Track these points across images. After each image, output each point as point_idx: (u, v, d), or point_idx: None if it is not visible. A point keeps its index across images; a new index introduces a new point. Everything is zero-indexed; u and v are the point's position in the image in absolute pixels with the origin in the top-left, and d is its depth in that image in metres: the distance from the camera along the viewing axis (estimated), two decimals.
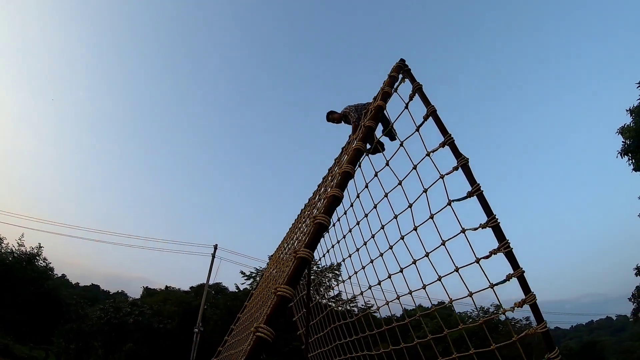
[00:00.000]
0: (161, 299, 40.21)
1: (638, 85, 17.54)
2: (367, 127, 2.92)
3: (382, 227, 4.18)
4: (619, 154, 18.90)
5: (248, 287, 35.42)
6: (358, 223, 4.54)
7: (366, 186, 4.16)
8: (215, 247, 30.26)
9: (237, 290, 36.31)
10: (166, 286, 50.96)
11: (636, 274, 20.02)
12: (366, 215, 4.38)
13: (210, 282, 30.97)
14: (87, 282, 76.40)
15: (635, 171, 18.55)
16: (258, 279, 34.98)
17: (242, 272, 35.65)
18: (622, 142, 18.78)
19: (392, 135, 5.07)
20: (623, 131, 18.49)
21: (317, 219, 2.11)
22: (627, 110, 18.28)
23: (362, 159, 5.52)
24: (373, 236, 4.38)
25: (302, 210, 7.30)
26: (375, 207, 4.23)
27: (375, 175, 4.08)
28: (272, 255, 11.24)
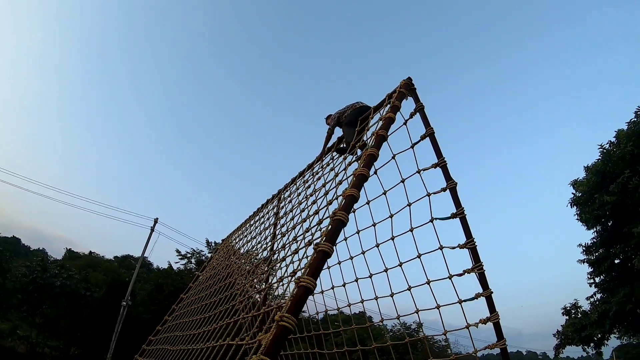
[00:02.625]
0: (84, 264, 38.79)
1: (599, 146, 19.06)
2: (379, 137, 3.05)
3: (358, 232, 4.30)
4: (569, 204, 20.51)
5: (182, 267, 34.47)
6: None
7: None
8: (156, 221, 29.21)
9: (169, 268, 35.07)
10: (90, 251, 49.02)
11: (562, 314, 21.68)
12: None
13: (141, 256, 29.82)
14: (8, 233, 70.24)
15: (580, 222, 20.13)
16: (194, 260, 34.19)
17: (177, 251, 34.47)
18: (572, 193, 20.41)
19: (345, 150, 5.16)
20: (576, 184, 20.09)
21: (336, 215, 2.22)
22: (584, 167, 19.88)
23: (333, 154, 5.68)
24: (346, 239, 4.48)
25: (273, 202, 7.34)
26: (354, 211, 4.35)
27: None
28: (225, 240, 11.11)
